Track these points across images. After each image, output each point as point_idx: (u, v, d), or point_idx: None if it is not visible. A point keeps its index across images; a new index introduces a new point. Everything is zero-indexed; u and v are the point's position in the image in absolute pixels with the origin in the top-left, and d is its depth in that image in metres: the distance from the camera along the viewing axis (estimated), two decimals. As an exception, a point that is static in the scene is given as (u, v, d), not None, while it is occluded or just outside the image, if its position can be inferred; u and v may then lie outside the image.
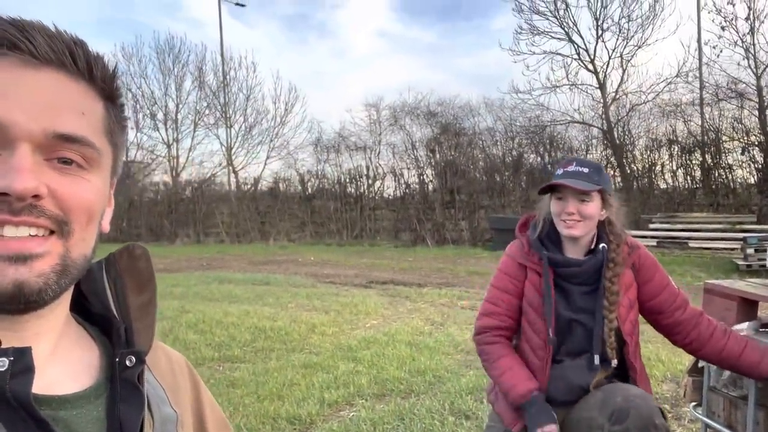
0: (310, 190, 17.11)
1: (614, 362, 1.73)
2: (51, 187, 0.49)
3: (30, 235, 0.48)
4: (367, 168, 16.39)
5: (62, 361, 0.55)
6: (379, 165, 16.46)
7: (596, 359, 1.73)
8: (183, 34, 27.95)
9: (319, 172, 17.03)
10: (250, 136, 18.58)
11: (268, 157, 18.21)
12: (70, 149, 0.50)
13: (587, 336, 1.74)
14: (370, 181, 16.42)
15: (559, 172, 1.75)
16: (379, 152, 16.60)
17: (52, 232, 0.50)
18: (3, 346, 0.47)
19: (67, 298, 0.56)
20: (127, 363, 0.56)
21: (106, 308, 0.60)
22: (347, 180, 16.54)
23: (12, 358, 0.46)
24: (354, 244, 15.18)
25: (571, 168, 1.73)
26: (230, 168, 18.17)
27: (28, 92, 0.48)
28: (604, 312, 1.71)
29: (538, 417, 1.59)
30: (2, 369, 0.46)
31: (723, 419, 1.92)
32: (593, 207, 1.72)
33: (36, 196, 0.47)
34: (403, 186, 16.14)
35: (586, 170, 1.72)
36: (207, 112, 18.75)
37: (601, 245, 1.76)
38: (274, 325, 5.81)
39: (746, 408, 1.78)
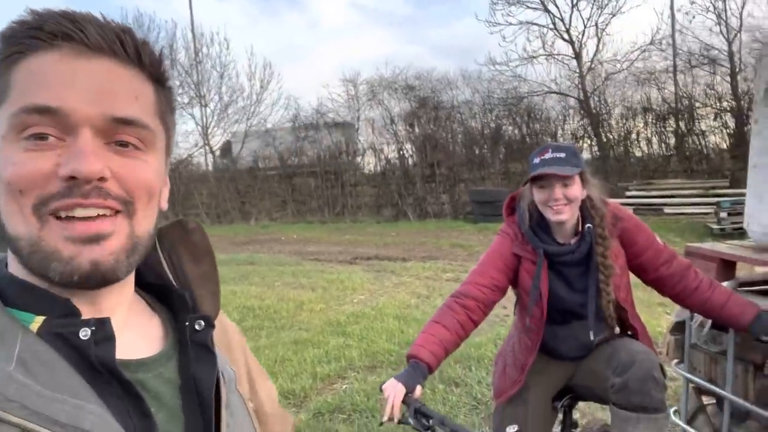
0: (289, 167, 16.97)
1: (616, 330, 1.83)
2: (113, 170, 0.52)
3: (99, 215, 0.51)
4: (347, 144, 16.29)
5: (133, 329, 0.59)
6: (359, 141, 16.38)
7: (591, 335, 1.84)
8: (152, 12, 27.17)
9: (298, 150, 16.87)
10: (226, 115, 18.26)
11: (246, 136, 17.95)
12: (127, 132, 0.53)
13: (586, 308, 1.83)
14: (349, 158, 16.34)
15: (536, 161, 1.74)
16: (358, 128, 16.50)
17: (117, 212, 0.53)
18: (83, 318, 0.52)
19: (132, 273, 0.60)
20: (196, 327, 0.61)
21: (162, 278, 0.64)
22: (327, 157, 16.44)
23: (94, 328, 0.51)
24: (336, 221, 15.18)
25: (548, 155, 1.73)
26: (207, 148, 17.90)
27: (84, 80, 0.51)
28: (600, 286, 1.77)
29: (401, 374, 1.59)
30: (86, 338, 0.51)
31: (704, 374, 2.02)
32: (576, 189, 1.74)
33: (101, 179, 0.51)
34: (383, 161, 16.11)
35: (563, 155, 1.72)
36: (180, 91, 18.32)
37: (587, 226, 1.80)
38: (262, 304, 5.84)
39: (726, 362, 1.87)
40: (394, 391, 1.51)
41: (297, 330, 4.93)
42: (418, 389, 1.56)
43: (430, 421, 1.42)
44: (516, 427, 1.48)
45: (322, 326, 5.00)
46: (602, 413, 2.82)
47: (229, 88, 18.27)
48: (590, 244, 1.79)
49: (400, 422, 1.48)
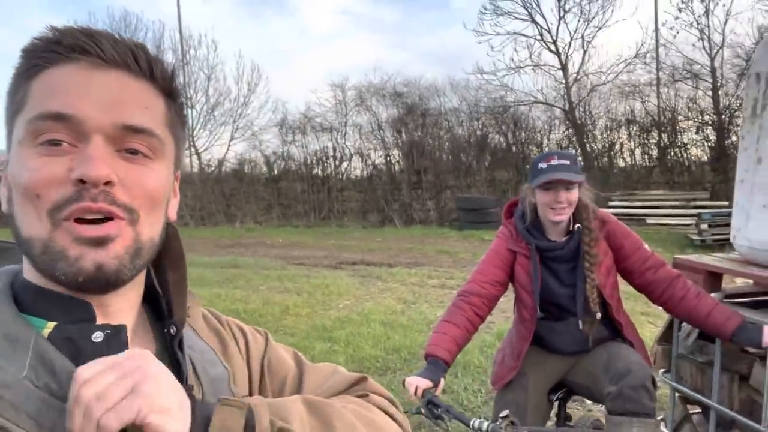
0: (276, 171, 16.89)
1: (598, 315, 1.94)
2: (120, 176, 0.54)
3: (105, 218, 0.53)
4: (334, 149, 16.29)
5: (138, 333, 0.61)
6: (346, 146, 16.38)
7: (580, 324, 1.96)
8: (140, 11, 26.92)
9: (285, 154, 16.82)
10: (212, 117, 18.10)
11: (232, 139, 17.85)
12: (136, 140, 0.55)
13: (575, 302, 1.96)
14: (336, 163, 16.33)
15: (543, 166, 1.88)
16: (345, 133, 16.49)
17: (122, 218, 0.54)
18: (98, 323, 0.54)
19: (141, 278, 0.61)
20: (172, 332, 0.62)
21: (150, 283, 0.65)
22: (314, 161, 16.40)
23: (108, 331, 0.54)
24: (322, 226, 15.14)
25: (555, 161, 1.87)
26: (192, 149, 17.74)
27: (98, 90, 0.54)
28: (585, 272, 1.92)
29: (424, 371, 1.77)
30: (98, 341, 0.53)
31: (690, 383, 2.06)
32: (576, 194, 1.89)
33: (108, 183, 0.52)
34: (370, 167, 16.13)
35: (567, 162, 1.87)
36: (166, 92, 18.11)
37: (576, 225, 1.95)
38: (247, 308, 5.80)
39: (712, 372, 1.91)
40: (416, 383, 1.69)
41: (282, 335, 4.90)
42: (441, 382, 1.75)
43: (439, 410, 1.61)
44: (507, 412, 1.54)
45: (308, 331, 4.98)
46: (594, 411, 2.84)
47: (216, 90, 18.16)
48: (578, 242, 1.94)
49: (415, 413, 1.69)
